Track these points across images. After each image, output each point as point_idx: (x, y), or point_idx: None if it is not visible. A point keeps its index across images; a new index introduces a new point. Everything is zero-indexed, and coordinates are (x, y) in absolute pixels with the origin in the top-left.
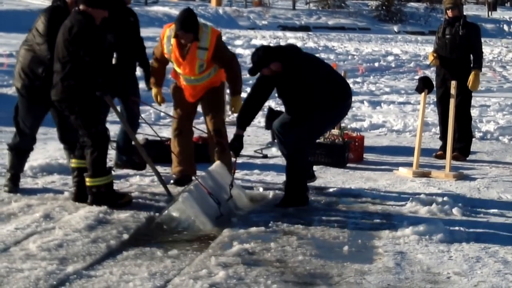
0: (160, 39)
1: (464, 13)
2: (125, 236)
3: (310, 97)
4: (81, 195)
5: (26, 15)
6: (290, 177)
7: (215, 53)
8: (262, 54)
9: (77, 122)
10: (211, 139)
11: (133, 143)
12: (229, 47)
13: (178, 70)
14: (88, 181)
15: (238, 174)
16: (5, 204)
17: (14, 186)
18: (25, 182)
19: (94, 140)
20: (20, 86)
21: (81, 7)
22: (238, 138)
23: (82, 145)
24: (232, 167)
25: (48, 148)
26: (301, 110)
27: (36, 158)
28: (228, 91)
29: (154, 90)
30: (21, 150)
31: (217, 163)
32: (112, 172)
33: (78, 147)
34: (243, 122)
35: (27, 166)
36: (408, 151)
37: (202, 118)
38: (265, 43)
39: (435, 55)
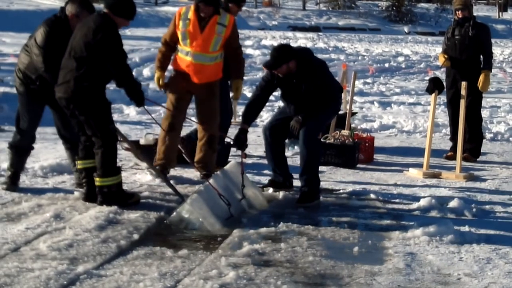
0: (173, 20)
1: (474, 14)
2: (135, 236)
3: (322, 94)
4: (92, 195)
5: (36, 15)
6: (312, 172)
7: (231, 34)
8: (284, 51)
9: (88, 122)
10: (182, 143)
11: (127, 146)
12: None
13: (187, 49)
14: (98, 181)
15: (248, 174)
16: (16, 204)
17: (12, 184)
18: (36, 182)
19: (104, 139)
20: (18, 85)
21: (105, 10)
22: (243, 131)
23: (84, 145)
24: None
25: (59, 148)
26: (310, 107)
27: (46, 158)
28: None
29: (157, 74)
30: (21, 148)
31: (232, 163)
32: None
33: (81, 148)
34: (248, 117)
35: (37, 166)
36: (419, 152)
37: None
38: (275, 43)
39: (446, 56)
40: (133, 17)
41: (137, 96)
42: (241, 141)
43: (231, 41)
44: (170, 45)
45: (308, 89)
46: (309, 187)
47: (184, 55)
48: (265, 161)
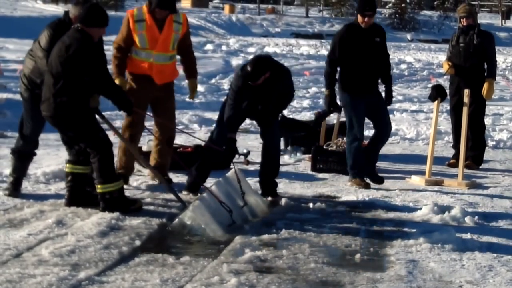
0: (124, 23)
1: (478, 22)
2: (137, 243)
3: (286, 99)
4: (73, 200)
5: (40, 22)
6: (276, 170)
7: (186, 32)
8: (263, 63)
9: (77, 136)
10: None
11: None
12: (242, 55)
13: (147, 51)
14: (99, 188)
15: (250, 181)
16: (18, 210)
17: (14, 190)
18: (38, 188)
19: (98, 148)
20: (22, 91)
21: (79, 25)
22: (234, 141)
23: (77, 151)
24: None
25: (61, 154)
26: (272, 113)
27: (49, 164)
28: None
29: (119, 81)
30: (23, 153)
31: (234, 170)
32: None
33: (74, 153)
34: (236, 127)
35: (40, 172)
36: (421, 159)
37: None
38: (278, 50)
39: (450, 63)
40: (105, 24)
41: (123, 104)
42: (233, 151)
43: (185, 38)
44: (125, 49)
45: (279, 95)
46: (274, 183)
47: (143, 58)
48: None
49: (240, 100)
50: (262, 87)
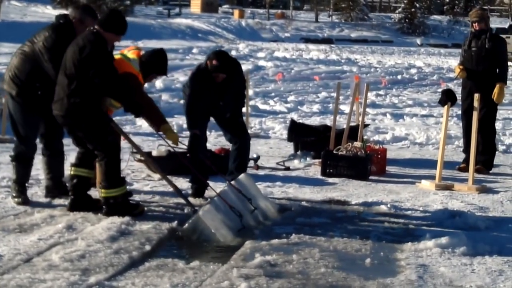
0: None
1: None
2: (147, 247)
3: (243, 95)
4: (77, 204)
5: None
6: (247, 158)
7: None
8: (226, 56)
9: (86, 137)
10: None
11: (141, 157)
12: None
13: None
14: (104, 193)
15: (260, 186)
16: (28, 215)
17: (25, 197)
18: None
19: (106, 151)
20: (15, 93)
21: (96, 27)
22: (196, 137)
23: (82, 154)
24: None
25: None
26: (235, 108)
27: None
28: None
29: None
30: (25, 158)
31: (244, 174)
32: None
33: (78, 156)
34: (197, 123)
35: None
36: (431, 164)
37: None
38: (287, 55)
39: (461, 67)
40: (123, 32)
41: (133, 107)
42: (196, 146)
43: None
44: None
45: (235, 91)
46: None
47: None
48: (277, 172)
49: (200, 96)
50: (220, 83)
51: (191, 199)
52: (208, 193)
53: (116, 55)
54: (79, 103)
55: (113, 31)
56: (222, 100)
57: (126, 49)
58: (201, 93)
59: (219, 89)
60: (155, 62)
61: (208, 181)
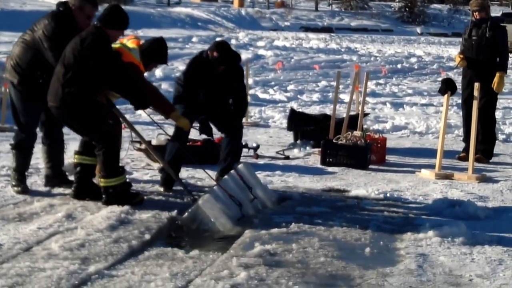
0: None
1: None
2: (147, 236)
3: (244, 99)
4: (81, 192)
5: None
6: (238, 153)
7: None
8: (228, 47)
9: (82, 129)
10: None
11: (144, 146)
12: (252, 49)
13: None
14: (103, 182)
15: (260, 175)
16: (28, 204)
17: (25, 186)
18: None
19: (103, 141)
20: (16, 82)
21: (98, 24)
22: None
23: (85, 141)
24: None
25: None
26: (235, 114)
27: None
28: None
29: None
30: (26, 146)
31: (244, 163)
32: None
33: (82, 144)
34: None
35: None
36: (431, 153)
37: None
38: (287, 44)
39: (461, 56)
40: (125, 27)
41: (139, 101)
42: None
43: None
44: None
45: (236, 92)
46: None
47: None
48: (277, 161)
49: (195, 84)
50: (219, 77)
51: (191, 188)
52: (208, 182)
53: (116, 44)
54: (73, 93)
55: (115, 27)
56: (219, 102)
57: (126, 38)
58: (196, 81)
59: (217, 82)
60: (155, 51)
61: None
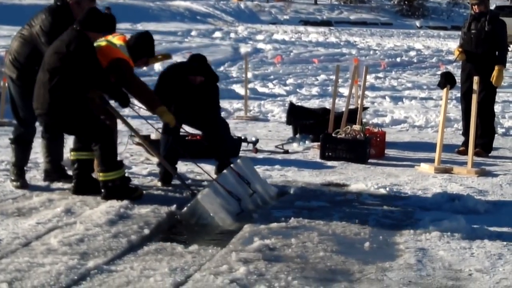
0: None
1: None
2: (146, 231)
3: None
4: (80, 187)
5: None
6: (227, 146)
7: None
8: (205, 61)
9: (75, 132)
10: None
11: (139, 140)
12: (251, 42)
13: None
14: (102, 176)
15: (259, 169)
16: (27, 198)
17: (24, 180)
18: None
19: (99, 137)
20: (15, 77)
21: (78, 28)
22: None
23: (79, 138)
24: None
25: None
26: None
27: None
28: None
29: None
30: (25, 141)
31: (243, 157)
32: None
33: (76, 140)
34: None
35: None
36: (430, 147)
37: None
38: (286, 38)
39: (461, 49)
40: (103, 29)
41: (120, 98)
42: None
43: None
44: None
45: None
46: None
47: None
48: (276, 156)
49: (167, 97)
50: (196, 90)
51: (190, 183)
52: (207, 176)
53: (102, 41)
54: (62, 96)
55: (93, 30)
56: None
57: (111, 35)
58: (167, 91)
59: (192, 97)
60: (143, 45)
61: (203, 167)
